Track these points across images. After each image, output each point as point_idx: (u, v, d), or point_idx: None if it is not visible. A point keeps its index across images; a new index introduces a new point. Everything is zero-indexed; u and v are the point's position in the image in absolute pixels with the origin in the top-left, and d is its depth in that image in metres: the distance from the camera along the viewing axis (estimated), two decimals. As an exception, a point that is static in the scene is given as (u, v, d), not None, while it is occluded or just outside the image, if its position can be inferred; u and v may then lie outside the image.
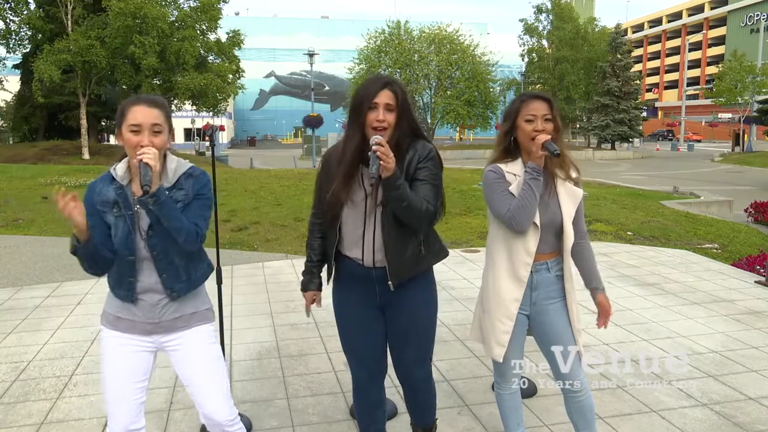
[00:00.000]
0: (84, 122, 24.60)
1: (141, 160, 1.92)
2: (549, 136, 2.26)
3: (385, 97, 2.15)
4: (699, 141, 55.22)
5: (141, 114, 1.99)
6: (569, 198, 2.37)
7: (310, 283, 2.46)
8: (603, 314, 2.53)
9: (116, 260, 2.07)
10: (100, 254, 2.02)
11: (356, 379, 2.48)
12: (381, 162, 2.02)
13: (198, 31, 25.92)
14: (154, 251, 2.07)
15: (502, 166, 2.39)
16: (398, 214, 2.16)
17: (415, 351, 2.39)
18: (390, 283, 2.24)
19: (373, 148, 2.03)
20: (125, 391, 2.15)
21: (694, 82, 73.48)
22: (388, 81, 2.20)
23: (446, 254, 2.43)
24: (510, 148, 2.41)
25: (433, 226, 2.31)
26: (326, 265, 2.41)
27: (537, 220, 2.32)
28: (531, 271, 2.37)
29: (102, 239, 2.04)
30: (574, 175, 2.40)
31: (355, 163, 2.20)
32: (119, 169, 2.08)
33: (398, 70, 38.71)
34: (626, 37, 58.49)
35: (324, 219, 2.32)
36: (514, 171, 2.37)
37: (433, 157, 2.25)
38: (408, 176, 2.19)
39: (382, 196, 2.18)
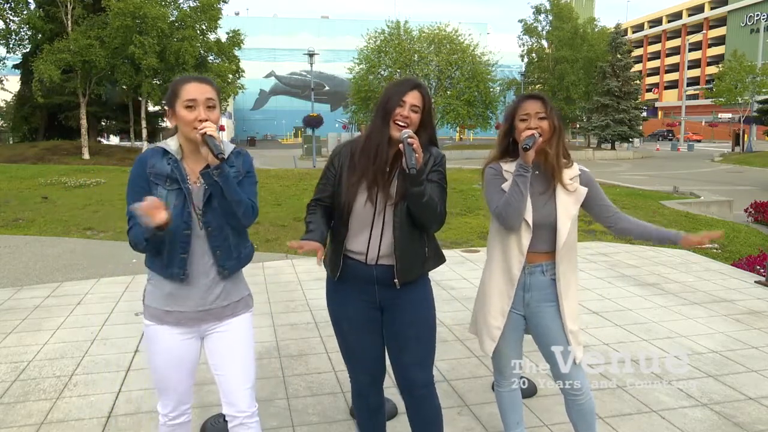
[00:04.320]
0: (84, 122, 24.57)
1: (204, 133, 1.96)
2: (534, 132, 2.27)
3: (413, 97, 2.21)
4: (699, 141, 55.17)
5: (195, 89, 2.02)
6: (570, 198, 2.37)
7: (312, 232, 2.19)
8: (703, 238, 2.31)
9: (168, 237, 2.02)
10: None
11: (356, 383, 2.46)
12: (416, 154, 2.06)
13: (198, 31, 25.89)
14: (209, 227, 2.08)
15: (502, 164, 2.42)
16: (416, 211, 2.19)
17: (415, 353, 2.34)
18: (396, 281, 2.24)
19: (408, 141, 2.08)
20: (176, 380, 2.18)
21: (694, 82, 73.47)
22: (418, 83, 2.26)
23: (444, 260, 2.45)
24: (509, 149, 2.43)
25: (439, 229, 2.33)
26: (332, 264, 2.35)
27: (529, 219, 2.33)
28: (525, 273, 2.38)
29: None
30: (569, 177, 2.38)
31: (385, 159, 2.22)
32: (171, 144, 2.10)
33: (398, 71, 38.74)
34: (626, 37, 58.47)
35: (339, 214, 2.27)
36: (511, 170, 2.38)
37: (444, 163, 2.32)
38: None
39: (396, 194, 2.21)
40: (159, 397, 2.23)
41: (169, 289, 2.11)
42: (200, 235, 2.09)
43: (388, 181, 2.23)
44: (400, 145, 2.11)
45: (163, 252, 2.07)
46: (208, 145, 1.96)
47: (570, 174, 2.39)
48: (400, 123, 2.20)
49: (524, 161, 2.28)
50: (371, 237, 2.25)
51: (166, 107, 2.09)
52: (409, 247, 2.24)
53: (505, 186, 2.37)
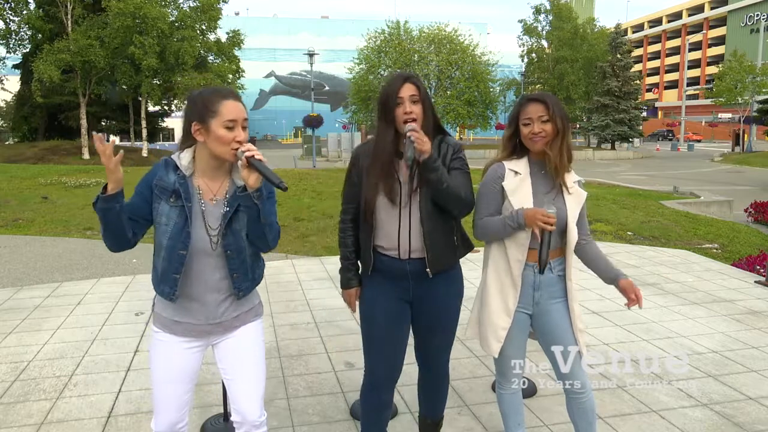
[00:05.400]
0: (84, 122, 24.63)
1: (252, 156, 1.89)
2: (551, 214, 2.24)
3: (408, 90, 2.24)
4: (699, 141, 55.19)
5: (235, 109, 1.96)
6: (574, 199, 2.38)
7: (351, 281, 2.47)
8: (633, 296, 2.40)
9: (163, 253, 2.00)
10: (118, 219, 1.92)
11: (373, 377, 2.45)
12: (416, 145, 2.11)
13: (198, 31, 25.93)
14: (228, 250, 2.03)
15: (507, 163, 2.42)
16: (438, 199, 2.23)
17: (442, 339, 2.48)
18: (428, 270, 2.29)
19: (408, 133, 2.13)
20: (177, 392, 2.13)
21: (694, 82, 73.49)
22: (407, 75, 2.29)
23: (472, 246, 2.51)
24: (516, 150, 2.43)
25: (468, 214, 2.36)
26: (363, 260, 2.41)
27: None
28: (534, 271, 2.38)
29: (130, 215, 1.98)
30: (571, 180, 2.39)
31: (391, 158, 2.27)
32: (183, 159, 2.02)
33: (398, 71, 38.72)
34: (626, 37, 58.46)
35: (363, 214, 2.33)
36: (516, 168, 2.39)
37: (462, 150, 2.37)
38: (445, 166, 2.27)
39: (418, 182, 2.24)
40: (155, 413, 2.16)
41: (180, 301, 2.08)
42: (213, 255, 2.03)
43: (408, 176, 2.26)
44: (404, 139, 2.16)
45: (158, 268, 2.04)
46: (260, 171, 1.88)
47: (572, 178, 2.41)
48: (406, 120, 2.23)
49: (525, 223, 2.27)
50: (400, 232, 2.29)
51: (193, 121, 1.96)
52: (439, 236, 2.29)
53: (505, 184, 2.37)
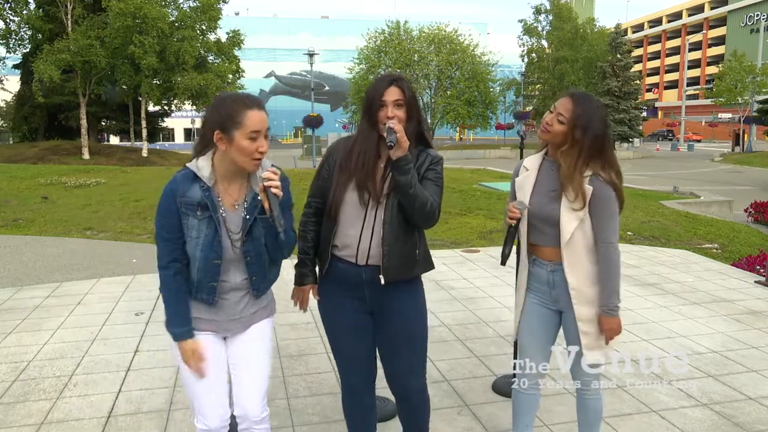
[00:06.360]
0: (84, 122, 24.60)
1: (269, 187, 1.92)
2: (510, 210, 2.34)
3: (392, 94, 2.20)
4: (699, 141, 55.18)
5: (259, 119, 1.94)
6: (581, 197, 2.28)
7: (306, 277, 2.43)
8: (605, 335, 2.34)
9: (198, 264, 2.03)
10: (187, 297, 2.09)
11: (349, 384, 2.44)
12: (397, 134, 2.07)
13: (198, 31, 25.91)
14: (247, 256, 2.07)
15: (526, 160, 2.46)
16: (404, 202, 2.17)
17: (408, 359, 2.36)
18: (381, 276, 2.21)
19: (388, 123, 2.11)
20: (220, 379, 2.15)
21: (694, 82, 73.48)
22: (394, 78, 2.23)
23: (433, 266, 2.42)
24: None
25: (431, 226, 2.31)
26: (320, 257, 2.36)
27: (524, 214, 2.36)
28: (548, 270, 2.37)
29: (175, 244, 2.03)
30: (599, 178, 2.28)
31: (370, 156, 2.22)
32: (203, 169, 2.01)
33: (398, 71, 38.74)
34: (626, 37, 58.38)
35: (328, 211, 2.27)
36: (529, 164, 2.43)
37: (441, 163, 2.32)
38: (419, 175, 2.23)
39: (389, 187, 2.19)
40: (198, 412, 2.14)
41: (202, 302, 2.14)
42: (234, 259, 2.07)
43: (381, 180, 2.22)
44: (385, 125, 2.13)
45: (194, 277, 2.06)
46: (270, 206, 1.94)
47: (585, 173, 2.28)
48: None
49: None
50: (362, 236, 2.23)
51: (215, 130, 1.94)
52: (397, 246, 2.21)
53: (517, 180, 2.44)
